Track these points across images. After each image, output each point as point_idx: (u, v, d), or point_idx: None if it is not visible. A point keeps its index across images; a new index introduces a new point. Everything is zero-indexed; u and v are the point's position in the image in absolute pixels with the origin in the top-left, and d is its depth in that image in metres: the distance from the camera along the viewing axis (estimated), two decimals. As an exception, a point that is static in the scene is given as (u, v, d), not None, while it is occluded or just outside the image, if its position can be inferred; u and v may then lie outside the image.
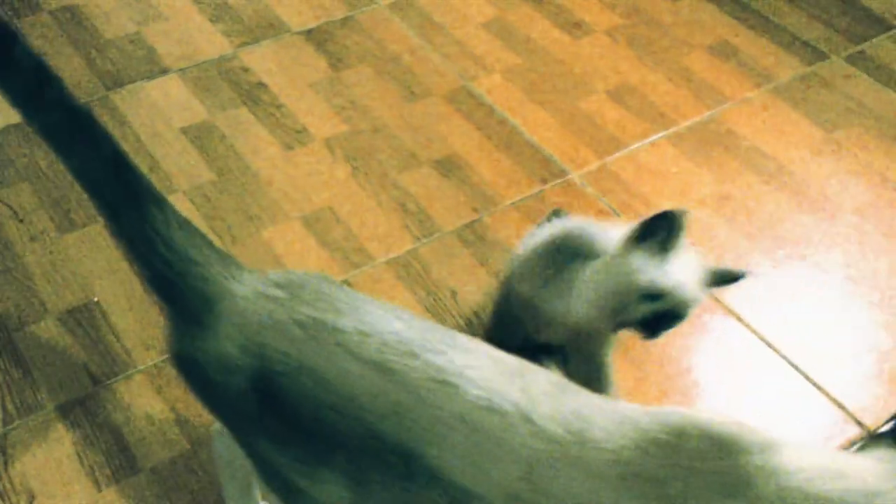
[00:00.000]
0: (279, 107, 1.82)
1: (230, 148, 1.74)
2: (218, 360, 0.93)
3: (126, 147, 1.73)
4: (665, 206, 1.66)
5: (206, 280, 0.95)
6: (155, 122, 1.78)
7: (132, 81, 1.86)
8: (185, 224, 0.98)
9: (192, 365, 0.95)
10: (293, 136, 1.77)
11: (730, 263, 1.57)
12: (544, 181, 1.69)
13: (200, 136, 1.76)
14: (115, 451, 1.30)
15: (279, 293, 0.94)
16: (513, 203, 1.66)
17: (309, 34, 1.99)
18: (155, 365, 1.40)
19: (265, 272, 0.99)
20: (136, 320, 1.46)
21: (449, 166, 1.72)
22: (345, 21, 2.03)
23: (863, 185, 1.71)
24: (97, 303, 1.48)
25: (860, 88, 1.90)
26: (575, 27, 2.03)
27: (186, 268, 0.96)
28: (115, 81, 1.86)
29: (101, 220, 1.60)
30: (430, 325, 0.94)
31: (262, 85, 1.87)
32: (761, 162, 1.74)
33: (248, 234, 1.59)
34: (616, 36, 2.01)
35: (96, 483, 1.27)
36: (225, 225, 1.60)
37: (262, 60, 1.92)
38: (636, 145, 1.77)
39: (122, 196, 0.96)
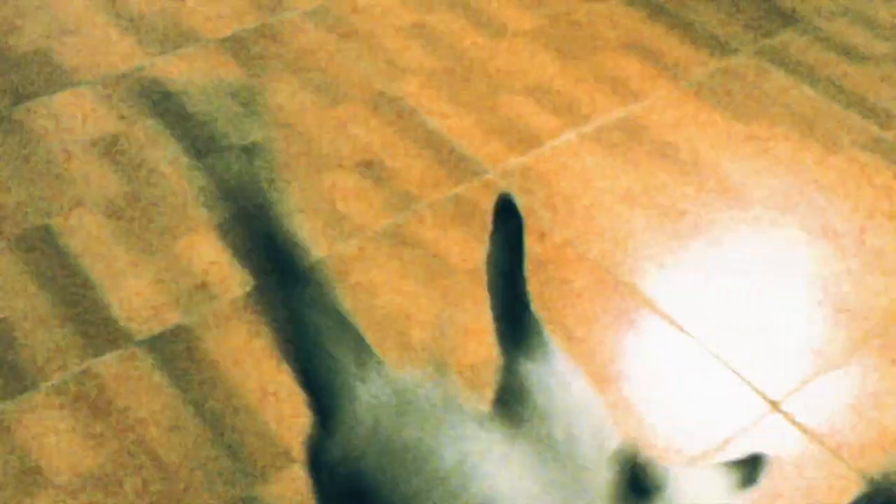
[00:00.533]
0: (193, 119, 1.79)
1: (142, 160, 1.70)
2: (326, 464, 0.89)
3: (34, 162, 1.68)
4: (585, 204, 1.67)
5: (335, 376, 0.91)
6: (64, 136, 1.74)
7: (40, 95, 1.82)
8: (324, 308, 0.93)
9: (315, 463, 0.91)
10: (205, 146, 1.74)
11: (649, 257, 1.58)
12: (464, 181, 1.69)
13: (111, 149, 1.72)
14: (21, 470, 1.25)
15: (389, 403, 0.88)
16: (432, 203, 1.65)
17: (224, 43, 1.96)
18: (63, 381, 1.36)
19: (394, 368, 0.93)
20: (44, 337, 1.41)
21: (368, 169, 1.71)
22: (260, 29, 2.01)
23: (776, 177, 1.74)
24: (3, 320, 1.43)
25: (770, 82, 1.93)
26: (493, 29, 2.04)
27: (321, 361, 0.92)
28: (23, 95, 1.81)
29: (8, 237, 1.55)
30: (565, 473, 0.85)
31: (175, 99, 1.83)
32: (678, 157, 1.76)
33: (163, 245, 1.56)
34: (533, 37, 2.02)
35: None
36: (138, 238, 1.57)
37: (175, 71, 1.89)
38: (555, 143, 1.78)
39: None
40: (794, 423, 1.37)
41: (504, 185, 1.68)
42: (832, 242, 1.62)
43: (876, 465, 1.32)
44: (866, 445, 1.34)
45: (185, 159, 1.70)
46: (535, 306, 1.50)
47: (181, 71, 1.88)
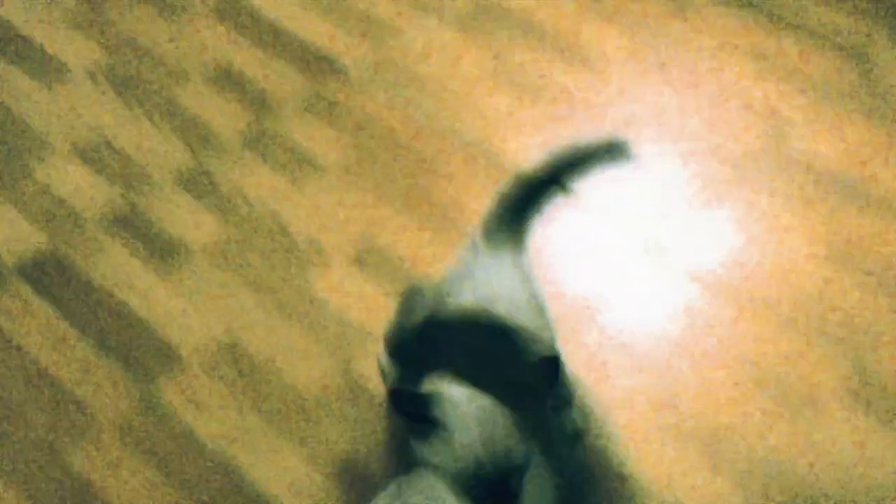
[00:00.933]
0: (35, 48, 1.73)
1: (-13, 97, 1.65)
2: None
3: None
4: (451, 88, 1.69)
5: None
6: None
7: None
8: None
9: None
10: (54, 74, 1.69)
11: (518, 134, 1.62)
12: (323, 79, 1.69)
13: (-48, 90, 1.65)
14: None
15: None
16: (294, 105, 1.65)
17: (55, -30, 1.88)
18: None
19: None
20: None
21: (223, 78, 1.69)
22: (92, -48, 1.93)
23: (637, 41, 1.80)
24: None
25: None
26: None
27: None
28: None
29: None
30: None
31: (13, 30, 1.76)
32: (539, 34, 1.80)
33: (20, 178, 1.52)
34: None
35: None
36: (-6, 174, 1.53)
37: (9, 8, 1.81)
38: (411, 31, 1.79)
39: None
40: (676, 267, 1.45)
41: (364, 79, 1.69)
42: (694, 94, 1.70)
43: (745, 296, 1.42)
44: (746, 279, 1.44)
45: (34, 91, 1.65)
46: (396, 191, 1.53)
47: (15, 7, 1.80)
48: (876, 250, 1.44)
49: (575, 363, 1.31)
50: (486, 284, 1.07)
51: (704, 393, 1.28)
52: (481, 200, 1.51)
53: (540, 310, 1.12)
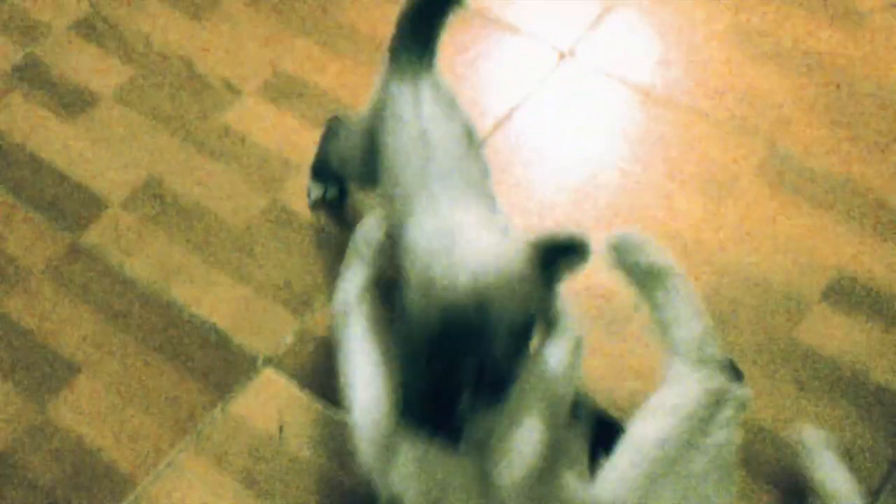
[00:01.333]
0: None
1: None
2: None
3: None
4: None
5: None
6: None
7: None
8: None
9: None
10: None
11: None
12: None
13: None
14: None
15: None
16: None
17: None
18: None
19: None
20: None
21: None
22: None
23: None
24: None
25: None
26: None
27: None
28: None
29: None
30: None
31: None
32: None
33: None
34: None
35: None
36: None
37: None
38: None
39: None
40: (589, 70, 1.46)
41: None
42: None
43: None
44: (658, 76, 1.46)
45: None
46: (304, 19, 1.50)
47: None
48: (785, 36, 1.47)
49: (494, 172, 1.34)
50: (414, 123, 1.08)
51: (623, 188, 1.33)
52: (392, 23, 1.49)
53: (467, 134, 1.13)
